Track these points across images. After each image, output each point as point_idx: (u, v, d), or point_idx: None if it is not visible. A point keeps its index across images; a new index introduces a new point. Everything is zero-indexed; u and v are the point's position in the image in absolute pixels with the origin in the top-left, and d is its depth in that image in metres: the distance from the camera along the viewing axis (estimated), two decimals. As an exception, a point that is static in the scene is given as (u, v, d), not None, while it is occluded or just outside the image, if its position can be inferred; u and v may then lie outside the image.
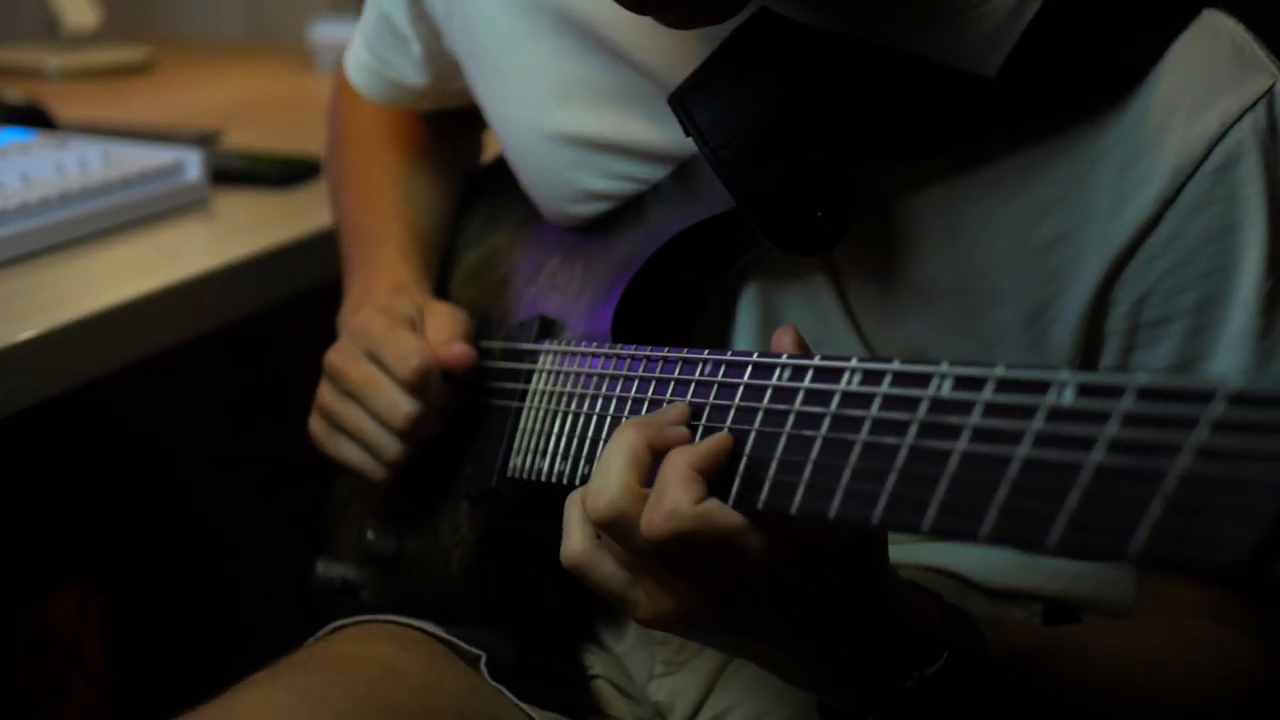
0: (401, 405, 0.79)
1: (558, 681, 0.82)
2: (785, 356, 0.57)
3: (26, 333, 0.85)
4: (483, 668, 0.78)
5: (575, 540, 0.59)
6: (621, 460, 0.57)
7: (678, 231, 0.74)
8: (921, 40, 0.66)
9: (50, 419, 0.92)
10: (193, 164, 1.15)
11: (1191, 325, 0.65)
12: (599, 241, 0.81)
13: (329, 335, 0.87)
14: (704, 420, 0.60)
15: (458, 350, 0.80)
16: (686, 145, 0.70)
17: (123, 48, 1.93)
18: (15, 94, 1.41)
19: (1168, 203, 0.63)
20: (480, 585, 0.82)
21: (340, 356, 0.82)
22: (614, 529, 0.57)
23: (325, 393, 0.83)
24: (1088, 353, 0.67)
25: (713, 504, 0.55)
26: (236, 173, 1.23)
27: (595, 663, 0.85)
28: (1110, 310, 0.66)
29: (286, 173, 1.24)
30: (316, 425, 0.84)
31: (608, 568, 0.59)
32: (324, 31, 1.92)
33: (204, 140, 1.34)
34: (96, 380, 0.91)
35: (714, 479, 0.56)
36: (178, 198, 1.13)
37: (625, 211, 0.79)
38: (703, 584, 0.57)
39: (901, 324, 0.71)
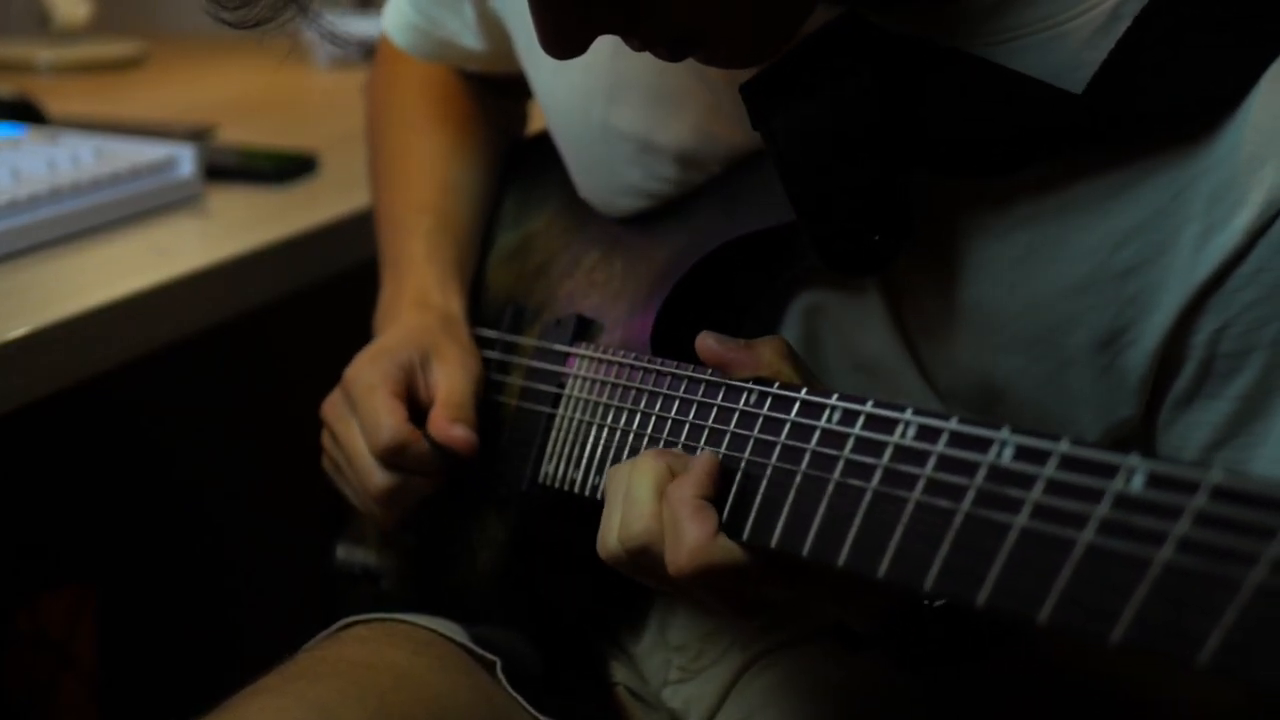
0: (374, 478, 0.79)
1: (578, 694, 0.81)
2: (835, 398, 0.57)
3: (17, 331, 0.84)
4: (499, 674, 0.78)
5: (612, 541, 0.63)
6: (649, 488, 0.61)
7: (724, 241, 0.73)
8: (1007, 52, 0.63)
9: (42, 419, 0.92)
10: (186, 160, 1.14)
11: (1271, 359, 0.62)
12: (640, 238, 0.80)
13: (325, 334, 0.87)
14: (747, 454, 0.60)
15: (459, 435, 0.79)
16: (737, 152, 0.68)
17: (115, 41, 1.92)
18: (6, 88, 1.41)
19: (1257, 235, 0.60)
20: (505, 589, 0.82)
21: (331, 409, 0.82)
22: (644, 558, 0.61)
23: (325, 439, 0.84)
24: (1161, 378, 0.65)
25: (725, 539, 0.59)
26: (231, 169, 1.22)
27: (617, 669, 0.85)
28: (1188, 339, 0.63)
29: (282, 169, 1.24)
30: (326, 464, 0.85)
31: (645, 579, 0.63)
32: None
33: (197, 136, 1.34)
34: (89, 380, 0.91)
35: (721, 501, 0.60)
36: (171, 194, 1.12)
37: (669, 210, 0.78)
38: (731, 596, 0.61)
39: (963, 345, 0.69)
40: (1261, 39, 0.61)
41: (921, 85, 0.64)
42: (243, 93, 1.78)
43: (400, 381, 0.80)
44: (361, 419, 0.79)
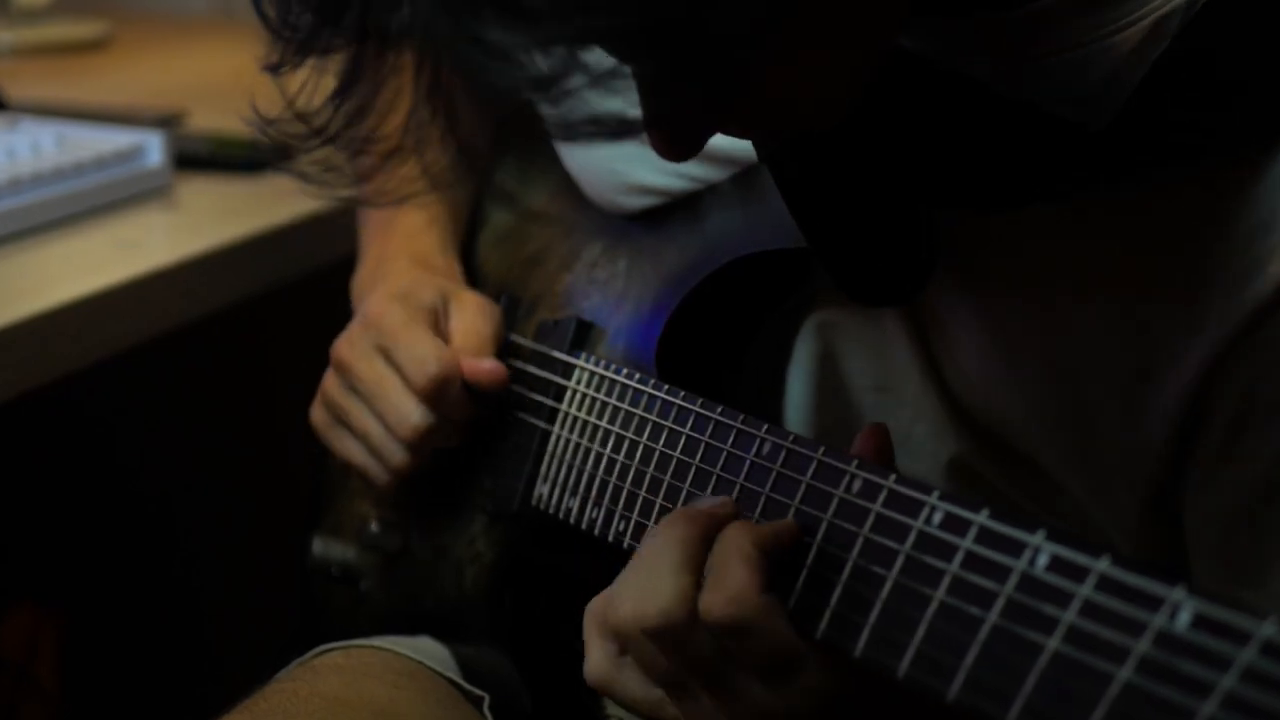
0: (412, 416, 0.78)
1: None
2: (855, 465, 0.55)
3: (-26, 332, 0.84)
4: (486, 711, 0.77)
5: (596, 657, 0.59)
6: (675, 558, 0.55)
7: (737, 256, 0.71)
8: (1042, 70, 0.61)
9: (1, 425, 0.91)
10: (154, 148, 1.14)
11: None
12: (647, 235, 0.78)
13: (304, 332, 0.86)
14: (757, 514, 0.58)
15: (488, 367, 0.78)
16: (752, 149, 0.67)
17: (78, 23, 1.92)
18: (-39, 72, 1.40)
19: None
20: (494, 610, 0.81)
21: (350, 350, 0.80)
22: (663, 639, 0.55)
23: (331, 384, 0.82)
24: (1192, 427, 0.63)
25: (777, 600, 0.54)
26: (201, 157, 1.22)
27: (609, 701, 0.84)
28: (1224, 385, 0.61)
29: (255, 157, 1.23)
30: (319, 416, 0.83)
31: (634, 689, 0.58)
32: (295, 5, 1.90)
33: (166, 122, 1.33)
34: (51, 383, 0.90)
35: (777, 575, 0.55)
36: (138, 184, 1.12)
37: (678, 207, 0.77)
38: (743, 704, 0.55)
39: (986, 377, 0.68)
40: None
41: (932, 114, 0.63)
42: (214, 77, 1.77)
43: (431, 321, 0.80)
44: (401, 354, 0.78)
